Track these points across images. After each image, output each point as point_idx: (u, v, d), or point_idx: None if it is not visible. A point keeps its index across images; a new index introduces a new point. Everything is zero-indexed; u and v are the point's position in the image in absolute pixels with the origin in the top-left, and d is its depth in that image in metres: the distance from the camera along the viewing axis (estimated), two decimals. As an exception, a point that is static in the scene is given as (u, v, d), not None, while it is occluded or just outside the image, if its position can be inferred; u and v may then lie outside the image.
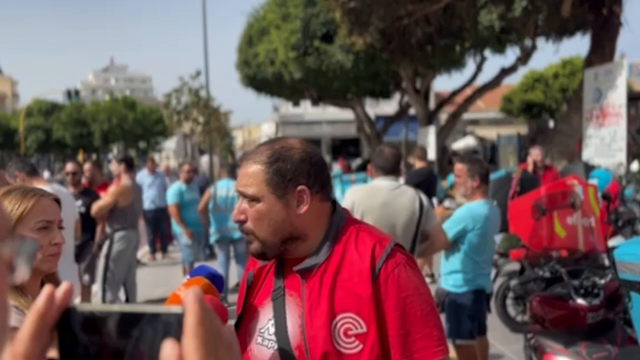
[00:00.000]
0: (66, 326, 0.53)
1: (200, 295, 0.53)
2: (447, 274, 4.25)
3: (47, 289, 0.53)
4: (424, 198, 3.88)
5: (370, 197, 3.77)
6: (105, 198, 6.10)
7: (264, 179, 1.44)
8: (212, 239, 7.54)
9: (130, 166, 6.59)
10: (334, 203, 1.56)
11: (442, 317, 4.35)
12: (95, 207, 6.03)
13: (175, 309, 0.53)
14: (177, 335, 0.51)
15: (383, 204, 3.73)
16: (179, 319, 0.52)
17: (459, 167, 4.32)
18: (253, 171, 1.45)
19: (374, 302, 1.38)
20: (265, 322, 1.49)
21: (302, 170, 1.46)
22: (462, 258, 4.15)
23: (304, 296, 1.44)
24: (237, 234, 7.03)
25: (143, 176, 10.67)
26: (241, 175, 1.48)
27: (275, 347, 1.44)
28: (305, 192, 1.46)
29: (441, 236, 3.96)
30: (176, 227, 8.02)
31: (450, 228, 4.11)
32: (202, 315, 0.52)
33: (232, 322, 1.55)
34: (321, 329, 1.38)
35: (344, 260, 1.44)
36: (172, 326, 0.52)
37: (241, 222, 1.47)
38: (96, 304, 0.56)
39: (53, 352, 0.53)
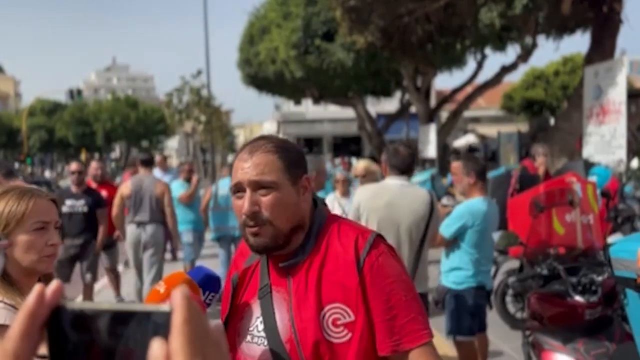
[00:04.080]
0: (56, 324, 0.54)
1: (188, 293, 0.53)
2: (448, 271, 4.27)
3: (37, 287, 0.54)
4: (435, 201, 3.85)
5: (376, 196, 3.76)
6: (115, 210, 6.69)
7: (280, 166, 1.47)
8: (212, 237, 7.58)
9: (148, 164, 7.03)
10: (314, 201, 1.61)
11: (443, 314, 4.39)
12: (114, 220, 6.74)
13: (163, 307, 0.53)
14: (166, 334, 0.52)
15: (388, 203, 3.70)
16: (167, 317, 0.52)
17: (455, 165, 4.36)
18: (267, 160, 1.46)
19: (360, 291, 1.42)
20: (254, 321, 1.51)
21: (302, 160, 1.56)
22: (462, 255, 4.17)
23: (290, 290, 1.47)
24: (237, 232, 7.04)
25: (156, 174, 10.60)
26: (252, 166, 1.46)
27: (266, 343, 1.46)
28: (309, 179, 1.55)
29: (433, 242, 3.99)
30: (179, 226, 8.04)
31: (450, 225, 4.12)
32: (189, 314, 0.52)
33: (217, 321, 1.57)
34: (310, 320, 1.42)
35: (328, 253, 1.48)
36: (161, 325, 0.52)
37: (255, 214, 1.45)
38: (86, 302, 0.57)
39: (45, 350, 0.54)
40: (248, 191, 1.47)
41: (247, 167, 1.47)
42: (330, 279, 1.45)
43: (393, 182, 3.83)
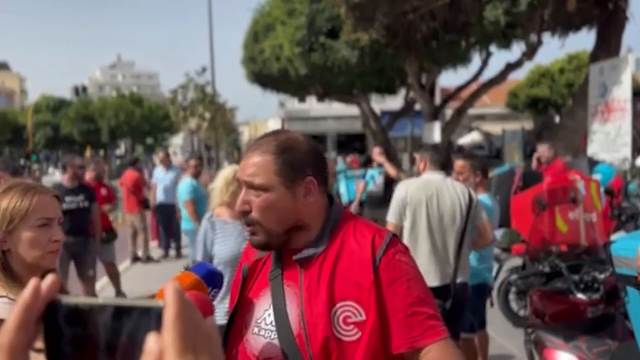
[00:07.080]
0: (51, 318, 0.54)
1: (180, 289, 0.54)
2: None
3: (32, 281, 0.54)
4: (474, 193, 3.94)
5: (423, 189, 3.86)
6: None
7: (273, 169, 1.44)
8: None
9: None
10: (331, 198, 1.59)
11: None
12: None
13: (156, 302, 0.54)
14: (159, 328, 0.53)
15: (434, 196, 3.81)
16: (160, 312, 0.53)
17: (460, 164, 4.37)
18: (261, 161, 1.45)
19: (375, 290, 1.41)
20: (262, 313, 1.51)
21: (309, 161, 1.48)
22: (470, 252, 4.17)
23: (302, 285, 1.46)
24: None
25: (159, 172, 10.55)
26: (248, 165, 1.47)
27: (273, 336, 1.46)
28: (313, 182, 1.48)
29: (487, 234, 3.99)
30: (186, 224, 7.94)
31: None
32: (180, 309, 0.53)
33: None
34: (321, 316, 1.41)
35: (343, 250, 1.47)
36: (154, 319, 0.53)
37: (245, 213, 1.47)
38: (81, 297, 0.58)
39: (41, 343, 0.54)
40: (243, 189, 1.48)
41: (244, 165, 1.48)
42: (344, 275, 1.44)
43: (435, 176, 3.93)
